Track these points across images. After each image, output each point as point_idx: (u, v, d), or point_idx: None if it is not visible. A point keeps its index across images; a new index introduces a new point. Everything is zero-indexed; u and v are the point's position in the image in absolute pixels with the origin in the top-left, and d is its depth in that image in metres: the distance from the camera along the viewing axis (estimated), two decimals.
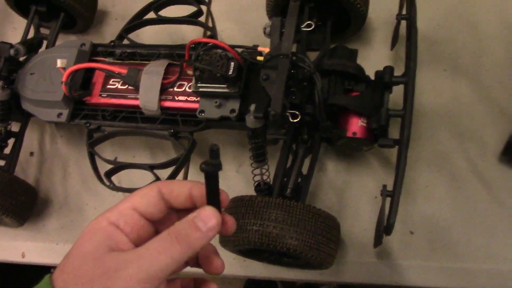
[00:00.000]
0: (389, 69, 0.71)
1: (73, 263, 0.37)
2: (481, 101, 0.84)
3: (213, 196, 0.40)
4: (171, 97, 0.79)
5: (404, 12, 0.76)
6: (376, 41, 0.92)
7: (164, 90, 0.79)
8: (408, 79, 0.68)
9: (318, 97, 0.68)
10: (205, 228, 0.38)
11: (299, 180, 0.76)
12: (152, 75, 0.78)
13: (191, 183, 0.42)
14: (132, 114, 0.81)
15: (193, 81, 0.73)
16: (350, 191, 0.82)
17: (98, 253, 0.37)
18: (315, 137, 0.76)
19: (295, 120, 0.66)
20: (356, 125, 0.72)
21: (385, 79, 0.71)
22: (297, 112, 0.66)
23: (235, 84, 0.71)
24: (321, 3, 0.81)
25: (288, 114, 0.66)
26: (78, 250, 0.38)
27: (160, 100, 0.78)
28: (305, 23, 0.70)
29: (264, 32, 0.72)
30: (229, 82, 0.71)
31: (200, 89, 0.72)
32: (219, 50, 0.71)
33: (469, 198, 0.78)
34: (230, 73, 0.70)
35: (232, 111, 0.73)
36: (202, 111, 0.74)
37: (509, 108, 0.82)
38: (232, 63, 0.70)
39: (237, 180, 0.87)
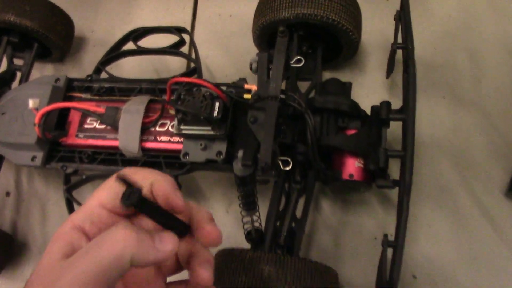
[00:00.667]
0: (385, 105, 0.67)
1: (30, 279, 0.35)
2: (483, 130, 0.79)
3: (161, 220, 0.37)
4: (152, 138, 0.73)
5: (399, 39, 0.71)
6: (370, 66, 0.87)
7: (145, 129, 0.74)
8: (407, 117, 0.63)
9: (311, 138, 0.64)
10: (159, 246, 0.35)
11: (293, 224, 0.71)
12: (132, 115, 0.73)
13: (153, 177, 0.38)
14: (112, 156, 0.75)
15: (176, 122, 0.67)
16: (347, 232, 0.78)
17: (51, 264, 0.34)
18: (308, 176, 0.72)
19: (286, 168, 0.60)
20: (352, 166, 0.67)
21: (382, 115, 0.66)
22: (289, 159, 0.61)
23: (221, 125, 0.66)
24: (311, 30, 0.77)
25: (279, 161, 0.61)
26: (38, 264, 0.35)
27: (141, 141, 0.73)
28: (295, 59, 0.65)
29: (251, 68, 0.67)
30: (214, 124, 0.66)
31: (183, 131, 0.67)
32: (203, 89, 0.66)
33: (475, 238, 0.74)
34: (215, 115, 0.65)
35: (219, 153, 0.68)
36: (186, 154, 0.69)
37: None
38: (217, 103, 0.65)
39: (227, 220, 0.82)
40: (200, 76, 0.77)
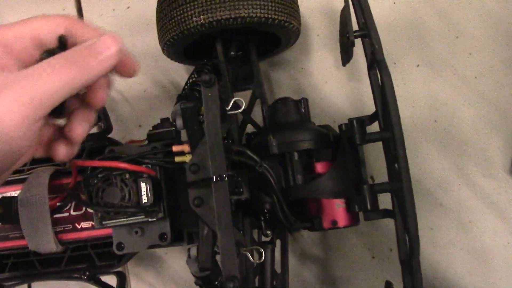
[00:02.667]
0: (359, 126, 0.54)
1: None
2: (470, 98, 0.68)
3: None
4: (70, 226, 0.59)
5: (354, 24, 0.57)
6: (315, 45, 0.73)
7: (55, 212, 0.59)
8: (395, 137, 0.50)
9: (277, 197, 0.52)
10: (103, 55, 0.36)
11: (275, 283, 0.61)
12: (33, 207, 0.57)
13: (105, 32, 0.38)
14: (25, 257, 0.61)
15: (95, 218, 0.53)
16: (336, 259, 0.68)
17: None
18: (279, 225, 0.60)
19: (258, 261, 0.49)
20: (333, 210, 0.56)
21: (356, 141, 0.54)
22: (260, 250, 0.49)
23: (156, 207, 0.52)
24: (236, 32, 0.61)
25: (247, 254, 0.48)
26: None
27: (56, 233, 0.58)
28: (232, 101, 0.50)
29: (175, 126, 0.52)
30: (146, 211, 0.52)
31: (109, 225, 0.53)
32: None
33: (484, 234, 0.66)
34: (144, 201, 0.51)
35: (163, 236, 0.55)
36: (120, 245, 0.55)
37: (504, 101, 0.67)
38: (143, 185, 0.51)
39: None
40: (109, 128, 0.60)
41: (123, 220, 0.53)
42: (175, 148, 0.52)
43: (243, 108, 0.50)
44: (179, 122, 0.51)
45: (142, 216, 0.52)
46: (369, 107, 0.68)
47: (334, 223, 0.56)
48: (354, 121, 0.54)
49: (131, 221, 0.53)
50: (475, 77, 0.68)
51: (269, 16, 0.57)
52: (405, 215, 0.50)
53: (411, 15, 0.71)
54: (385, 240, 0.68)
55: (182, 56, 0.64)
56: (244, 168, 0.55)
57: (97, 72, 0.35)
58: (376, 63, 0.51)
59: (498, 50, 0.68)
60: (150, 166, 0.53)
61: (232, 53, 0.63)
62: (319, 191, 0.54)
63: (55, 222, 0.58)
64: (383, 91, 0.51)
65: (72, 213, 0.59)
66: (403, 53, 0.70)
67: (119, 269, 0.60)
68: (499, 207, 0.66)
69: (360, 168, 0.55)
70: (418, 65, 0.70)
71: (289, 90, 0.71)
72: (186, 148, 0.52)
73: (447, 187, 0.67)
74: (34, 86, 0.32)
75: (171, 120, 0.53)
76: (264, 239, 0.61)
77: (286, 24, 0.59)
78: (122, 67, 0.39)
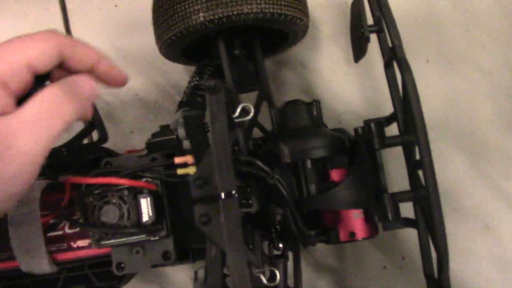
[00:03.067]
0: (377, 130, 0.49)
1: None
2: (486, 95, 0.64)
3: None
4: (65, 245, 0.54)
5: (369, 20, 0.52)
6: (323, 40, 0.68)
7: (49, 230, 0.54)
8: (419, 142, 0.45)
9: (290, 210, 0.47)
10: (87, 89, 0.36)
11: None
12: (24, 226, 0.52)
13: (99, 56, 0.38)
14: (19, 279, 0.57)
15: (91, 238, 0.48)
16: (350, 269, 0.64)
17: None
18: (291, 238, 0.55)
19: (272, 284, 0.44)
20: (351, 221, 0.51)
21: (375, 144, 0.49)
22: (275, 271, 0.44)
23: (158, 225, 0.47)
24: (241, 29, 0.56)
25: (261, 275, 0.43)
26: None
27: (50, 253, 0.53)
28: (239, 108, 0.45)
29: (176, 135, 0.47)
30: (147, 230, 0.47)
31: (107, 245, 0.48)
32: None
33: (503, 239, 0.62)
34: (145, 220, 0.46)
35: (166, 254, 0.50)
36: (120, 265, 0.51)
37: None
38: (143, 201, 0.46)
39: None
40: (104, 137, 0.55)
41: (122, 240, 0.48)
42: (177, 160, 0.47)
43: (252, 114, 0.45)
44: (181, 132, 0.46)
45: (143, 236, 0.47)
46: (382, 107, 0.63)
47: (352, 235, 0.51)
48: (372, 124, 0.49)
49: (131, 241, 0.48)
50: (489, 72, 0.64)
51: (282, 12, 0.52)
52: (432, 228, 0.45)
53: (419, 8, 0.66)
54: (396, 249, 0.63)
55: (180, 56, 0.59)
56: (252, 178, 0.50)
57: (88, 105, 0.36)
58: (397, 61, 0.46)
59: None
60: (150, 180, 0.48)
61: (237, 52, 0.58)
62: (335, 201, 0.49)
63: (48, 241, 0.53)
64: (405, 92, 0.45)
65: (67, 231, 0.54)
66: (411, 48, 0.65)
67: None
68: None
69: (379, 175, 0.50)
70: (428, 60, 0.65)
71: (295, 90, 0.66)
72: (189, 159, 0.47)
73: (462, 190, 0.63)
74: (40, 133, 0.32)
75: (172, 129, 0.48)
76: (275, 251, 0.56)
77: (298, 20, 0.54)
78: (110, 78, 0.39)
